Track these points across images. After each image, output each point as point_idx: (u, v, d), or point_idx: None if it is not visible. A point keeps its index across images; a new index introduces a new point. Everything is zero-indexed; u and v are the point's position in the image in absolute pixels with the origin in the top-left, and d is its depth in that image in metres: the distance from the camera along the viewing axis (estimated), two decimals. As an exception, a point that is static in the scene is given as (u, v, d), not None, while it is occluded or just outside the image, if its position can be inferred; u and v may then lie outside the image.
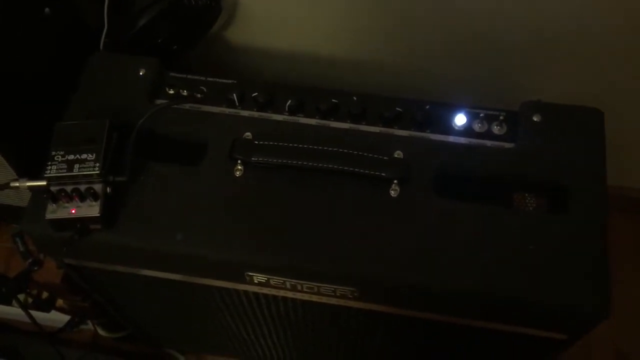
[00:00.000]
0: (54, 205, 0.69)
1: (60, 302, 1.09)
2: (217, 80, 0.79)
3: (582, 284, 0.66)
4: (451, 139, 0.74)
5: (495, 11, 0.90)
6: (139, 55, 0.81)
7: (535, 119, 0.74)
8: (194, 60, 1.05)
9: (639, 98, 1.02)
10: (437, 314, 0.74)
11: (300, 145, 0.72)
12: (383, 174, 0.70)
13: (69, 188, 0.68)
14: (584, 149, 0.72)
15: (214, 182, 0.72)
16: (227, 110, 0.77)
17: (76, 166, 0.68)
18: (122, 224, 0.71)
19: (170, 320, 1.03)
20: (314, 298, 0.75)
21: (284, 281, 0.72)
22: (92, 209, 0.68)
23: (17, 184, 0.70)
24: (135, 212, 0.71)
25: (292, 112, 0.76)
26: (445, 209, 0.70)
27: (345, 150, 0.71)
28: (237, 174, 0.72)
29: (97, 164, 0.68)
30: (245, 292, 0.78)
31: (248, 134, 0.74)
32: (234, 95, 0.77)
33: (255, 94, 0.76)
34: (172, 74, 0.80)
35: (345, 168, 0.70)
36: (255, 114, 0.76)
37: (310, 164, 0.71)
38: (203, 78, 0.79)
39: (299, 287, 0.72)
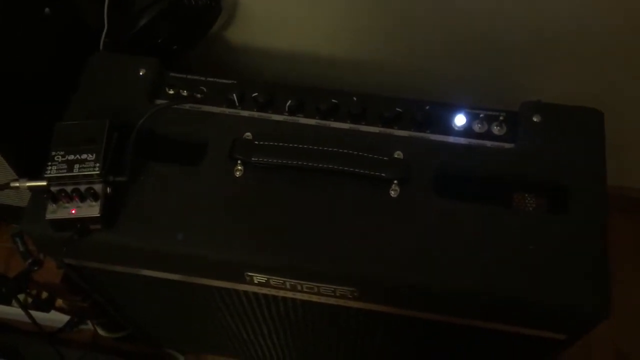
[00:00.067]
0: (54, 205, 0.69)
1: (59, 302, 1.09)
2: (217, 80, 0.79)
3: (582, 284, 0.66)
4: (451, 139, 0.74)
5: (495, 11, 0.90)
6: (139, 55, 0.81)
7: (535, 119, 0.74)
8: (194, 60, 1.05)
9: (639, 98, 1.02)
10: (437, 314, 0.74)
11: (300, 146, 0.72)
12: (383, 174, 0.70)
13: (69, 188, 0.68)
14: (584, 149, 0.72)
15: (214, 182, 0.72)
16: (227, 111, 0.77)
17: (76, 166, 0.68)
18: (122, 224, 0.71)
19: (170, 320, 1.03)
20: (314, 298, 0.75)
21: (284, 281, 0.72)
22: (92, 209, 0.68)
23: (17, 184, 0.70)
24: (135, 212, 0.71)
25: (292, 112, 0.76)
26: (445, 209, 0.70)
27: (345, 151, 0.71)
28: (237, 174, 0.72)
29: (97, 164, 0.68)
30: (245, 292, 0.78)
31: (248, 134, 0.74)
32: (234, 95, 0.77)
33: (255, 94, 0.76)
34: (172, 74, 0.80)
35: (345, 168, 0.70)
36: (255, 114, 0.76)
37: (310, 164, 0.71)
38: (203, 78, 0.79)
39: (299, 287, 0.72)
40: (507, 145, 0.73)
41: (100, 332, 1.18)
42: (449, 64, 1.03)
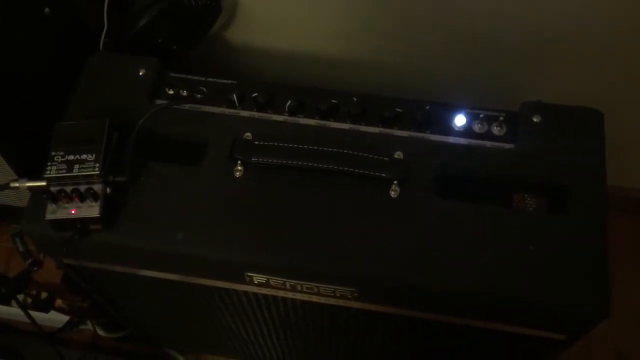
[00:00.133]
0: (53, 205, 0.69)
1: (59, 302, 1.09)
2: (217, 80, 0.79)
3: (582, 284, 0.66)
4: (451, 139, 0.74)
5: (495, 11, 0.90)
6: (139, 55, 0.81)
7: (535, 119, 0.74)
8: (194, 60, 1.04)
9: (639, 98, 1.02)
10: (437, 314, 0.74)
11: (300, 146, 0.72)
12: (383, 175, 0.70)
13: (68, 188, 0.68)
14: (584, 149, 0.72)
15: (214, 182, 0.72)
16: (227, 111, 0.77)
17: (76, 166, 0.68)
18: (122, 224, 0.71)
19: (170, 320, 1.03)
20: (314, 298, 0.75)
21: (284, 281, 0.72)
22: (92, 210, 0.68)
23: (16, 185, 0.69)
24: (135, 212, 0.71)
25: (292, 112, 0.76)
26: (445, 209, 0.70)
27: (345, 151, 0.71)
28: (237, 174, 0.72)
29: (97, 164, 0.68)
30: (245, 292, 0.78)
31: (248, 135, 0.74)
32: (234, 95, 0.77)
33: (255, 94, 0.76)
34: (172, 74, 0.80)
35: (345, 168, 0.70)
36: (255, 114, 0.76)
37: (310, 164, 0.71)
38: (203, 78, 0.79)
39: (299, 288, 0.72)
40: (507, 146, 0.73)
41: (100, 332, 1.18)
42: (449, 64, 1.03)
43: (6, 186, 0.70)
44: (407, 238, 0.68)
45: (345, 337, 0.90)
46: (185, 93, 0.78)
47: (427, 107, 0.75)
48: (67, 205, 0.69)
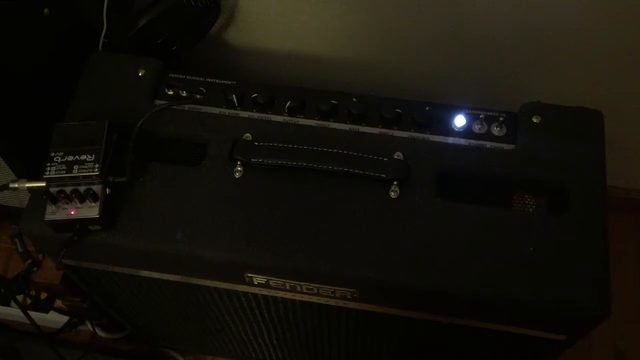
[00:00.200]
0: (53, 206, 0.69)
1: (58, 302, 1.09)
2: (217, 81, 0.79)
3: (582, 284, 0.66)
4: (451, 140, 0.74)
5: (495, 11, 0.90)
6: (138, 55, 0.81)
7: (534, 120, 0.74)
8: (193, 61, 1.04)
9: (639, 98, 1.02)
10: (437, 315, 0.74)
11: (300, 147, 0.72)
12: (383, 175, 0.70)
13: (68, 189, 0.68)
14: (584, 150, 0.72)
15: (213, 182, 0.72)
16: (227, 111, 0.77)
17: (75, 167, 0.68)
18: (121, 225, 0.71)
19: (169, 321, 1.03)
20: (314, 299, 0.75)
21: (284, 282, 0.72)
22: (91, 210, 0.68)
23: (16, 185, 0.70)
24: (135, 212, 0.71)
25: (291, 113, 0.76)
26: (445, 210, 0.70)
27: (345, 152, 0.71)
28: (237, 175, 0.72)
29: (97, 165, 0.68)
30: (245, 293, 0.78)
31: (248, 135, 0.74)
32: (234, 96, 0.76)
33: (255, 94, 0.76)
34: (171, 74, 0.80)
35: (345, 169, 0.70)
36: (255, 114, 0.76)
37: (310, 165, 0.71)
38: (202, 79, 0.79)
39: (299, 288, 0.72)
40: (506, 146, 0.73)
41: (100, 332, 1.17)
42: (449, 65, 1.02)
43: (5, 187, 0.70)
44: (407, 238, 0.68)
45: (345, 337, 0.90)
46: (184, 93, 0.78)
47: (427, 108, 0.75)
48: (66, 206, 0.69)
